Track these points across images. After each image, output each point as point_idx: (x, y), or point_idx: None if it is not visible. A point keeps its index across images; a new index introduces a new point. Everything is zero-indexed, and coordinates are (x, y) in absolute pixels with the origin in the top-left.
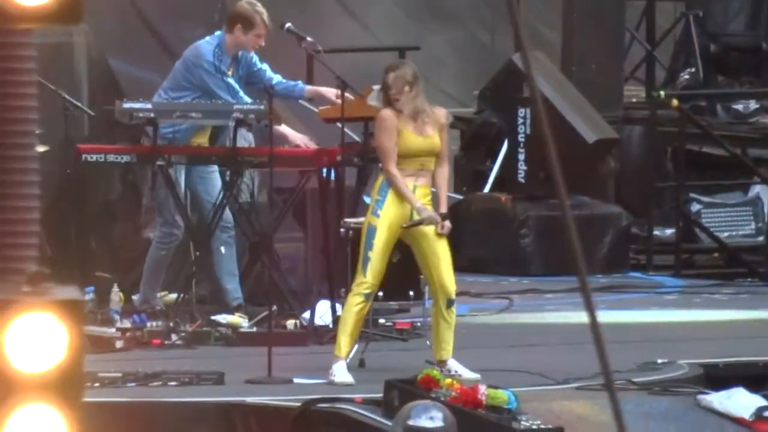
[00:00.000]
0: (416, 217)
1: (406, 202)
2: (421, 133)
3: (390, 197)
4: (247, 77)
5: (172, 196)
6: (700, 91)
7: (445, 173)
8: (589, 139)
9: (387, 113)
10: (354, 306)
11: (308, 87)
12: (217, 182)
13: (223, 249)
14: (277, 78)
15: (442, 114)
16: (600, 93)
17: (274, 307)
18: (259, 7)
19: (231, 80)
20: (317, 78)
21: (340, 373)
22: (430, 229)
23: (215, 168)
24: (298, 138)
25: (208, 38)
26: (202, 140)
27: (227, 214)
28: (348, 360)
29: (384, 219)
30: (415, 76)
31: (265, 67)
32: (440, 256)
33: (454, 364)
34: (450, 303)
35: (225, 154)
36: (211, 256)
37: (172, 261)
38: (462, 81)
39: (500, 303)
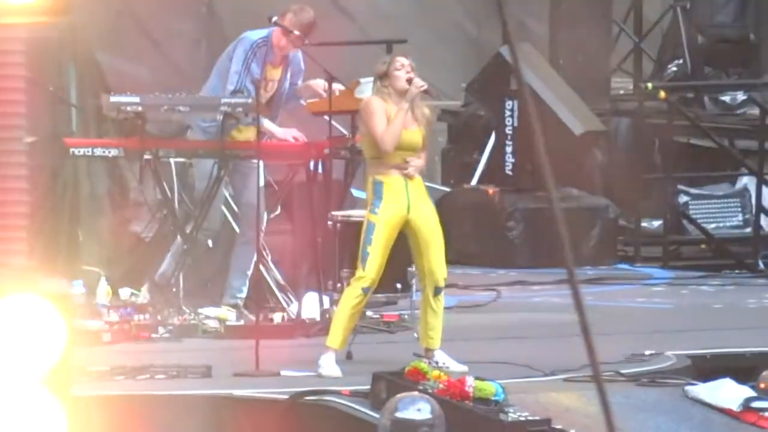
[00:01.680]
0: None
1: (400, 195)
2: (406, 126)
3: (386, 197)
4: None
5: (159, 189)
6: (688, 82)
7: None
8: (576, 131)
9: (373, 98)
10: (352, 299)
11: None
12: (257, 178)
13: (241, 248)
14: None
15: (429, 111)
16: (587, 85)
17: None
18: (300, 7)
19: (249, 84)
20: (304, 71)
21: (328, 365)
22: (425, 220)
23: (254, 164)
24: (287, 134)
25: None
26: (248, 135)
27: (253, 213)
28: (338, 352)
29: (383, 215)
30: None
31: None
32: (430, 243)
33: (441, 356)
34: (437, 291)
35: (213, 147)
36: (198, 249)
37: (160, 254)
38: (449, 74)
39: (488, 295)
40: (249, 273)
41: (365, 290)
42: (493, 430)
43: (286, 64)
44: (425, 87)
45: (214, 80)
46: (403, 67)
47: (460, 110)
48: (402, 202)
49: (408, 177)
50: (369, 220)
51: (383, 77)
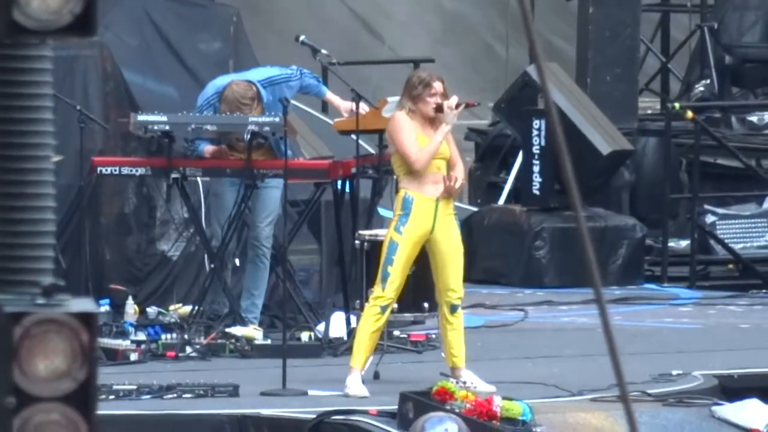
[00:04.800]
0: (438, 219)
1: (429, 208)
2: (430, 137)
3: (414, 214)
4: (299, 92)
5: (186, 208)
6: (715, 102)
7: (461, 166)
8: (603, 150)
9: (402, 115)
10: (370, 318)
11: (328, 93)
12: (273, 198)
13: (247, 266)
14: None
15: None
16: (615, 105)
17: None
18: (232, 86)
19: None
20: (332, 90)
21: (355, 385)
22: (447, 239)
23: (269, 184)
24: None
25: (223, 78)
26: None
27: (260, 233)
28: (363, 372)
29: (407, 235)
30: None
31: (299, 75)
32: (448, 261)
33: (469, 376)
34: (453, 308)
35: (240, 167)
36: (225, 269)
37: (187, 273)
38: (476, 93)
39: (515, 315)
40: (254, 292)
41: (384, 309)
42: None
43: (259, 103)
44: (462, 105)
45: None
46: (436, 94)
47: (488, 130)
48: (428, 221)
49: (446, 194)
50: (392, 239)
51: (416, 99)
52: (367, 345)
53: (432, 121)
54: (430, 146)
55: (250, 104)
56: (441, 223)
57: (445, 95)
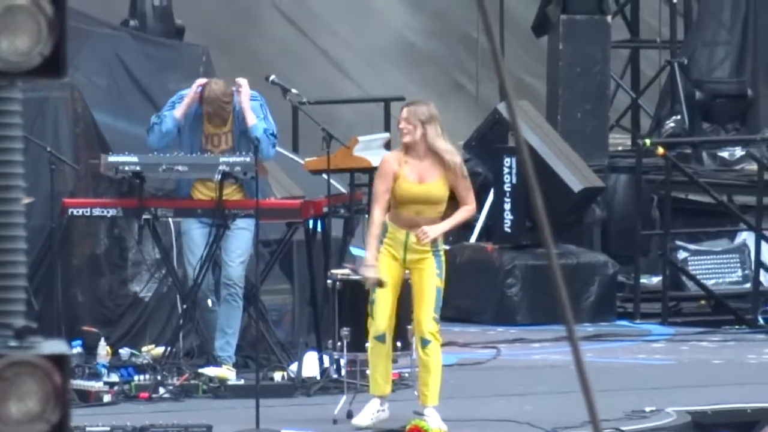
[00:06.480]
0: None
1: (398, 246)
2: (420, 180)
3: (386, 241)
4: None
5: (158, 249)
6: (686, 138)
7: (465, 209)
8: (575, 187)
9: (387, 156)
10: (370, 348)
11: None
12: (245, 238)
13: (219, 306)
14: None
15: (449, 155)
16: (585, 141)
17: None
18: (211, 84)
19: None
20: (302, 129)
21: (362, 414)
22: (419, 273)
23: (240, 225)
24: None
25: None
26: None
27: (233, 272)
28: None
29: (381, 260)
30: (429, 115)
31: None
32: (422, 294)
33: (431, 414)
34: (424, 342)
35: (212, 207)
36: (197, 309)
37: (160, 314)
38: (447, 131)
39: (488, 353)
40: (228, 330)
41: (376, 338)
42: None
43: (236, 119)
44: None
45: None
46: (399, 122)
47: None
48: (398, 251)
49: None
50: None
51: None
52: (373, 372)
53: (407, 149)
54: (371, 238)
55: (231, 101)
56: (413, 255)
57: (408, 120)
